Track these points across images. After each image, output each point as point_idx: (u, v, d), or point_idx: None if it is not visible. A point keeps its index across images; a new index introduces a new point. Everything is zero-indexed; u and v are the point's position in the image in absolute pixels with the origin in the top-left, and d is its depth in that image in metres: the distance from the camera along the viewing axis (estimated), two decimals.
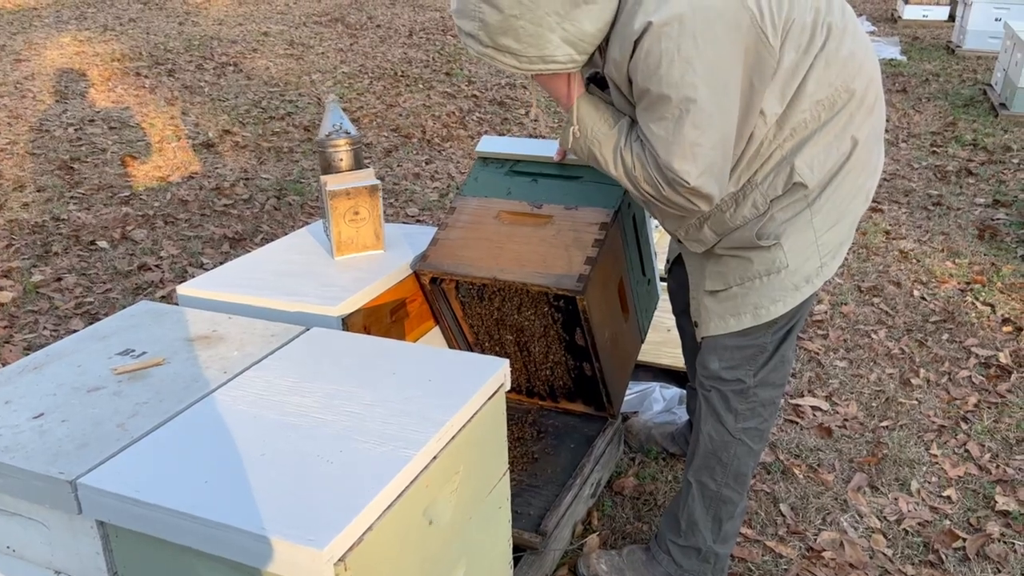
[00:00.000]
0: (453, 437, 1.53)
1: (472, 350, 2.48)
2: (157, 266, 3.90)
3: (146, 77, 6.89)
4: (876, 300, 3.69)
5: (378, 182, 2.24)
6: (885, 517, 2.43)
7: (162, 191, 4.74)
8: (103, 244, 4.07)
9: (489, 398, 1.65)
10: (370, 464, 1.38)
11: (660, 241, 3.08)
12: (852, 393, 3.02)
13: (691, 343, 2.37)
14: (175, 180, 4.91)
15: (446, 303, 2.35)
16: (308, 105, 6.54)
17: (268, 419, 1.52)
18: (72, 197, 4.58)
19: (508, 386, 1.73)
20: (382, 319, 2.20)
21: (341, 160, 2.29)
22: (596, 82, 1.85)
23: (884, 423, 2.85)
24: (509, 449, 2.39)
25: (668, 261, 2.36)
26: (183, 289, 2.18)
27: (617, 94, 1.75)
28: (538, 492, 2.24)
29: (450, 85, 7.27)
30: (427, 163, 5.48)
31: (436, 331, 2.46)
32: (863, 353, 3.28)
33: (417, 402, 1.56)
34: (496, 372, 1.67)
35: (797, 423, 2.84)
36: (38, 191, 4.61)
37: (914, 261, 4.07)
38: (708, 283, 1.92)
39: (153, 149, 5.39)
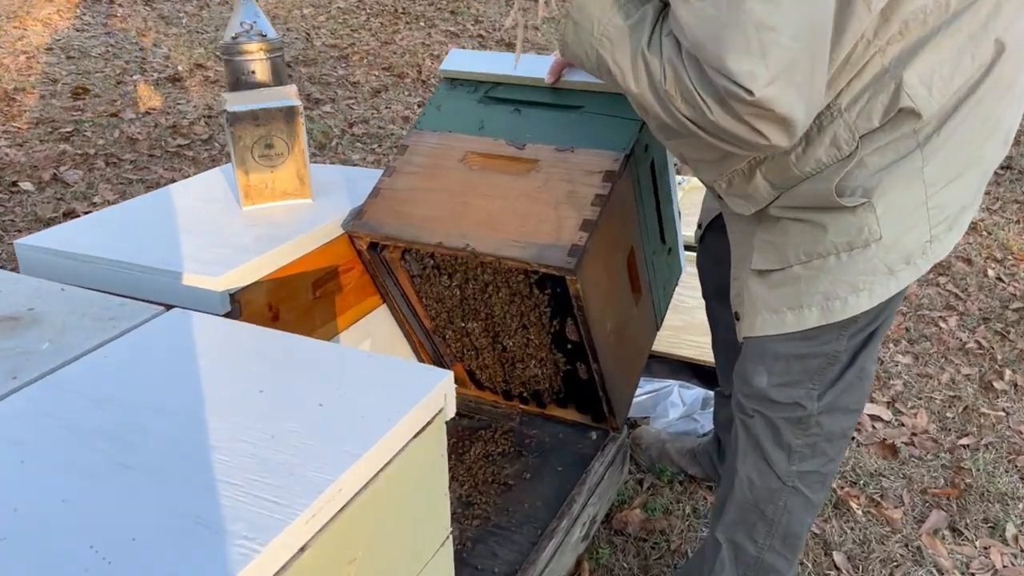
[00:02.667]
0: (344, 507, 0.93)
1: (431, 339, 1.86)
2: (87, 212, 3.29)
3: (120, 5, 6.22)
4: (942, 280, 3.05)
5: (299, 104, 1.61)
6: (973, 573, 1.82)
7: (110, 128, 4.12)
8: (27, 186, 3.47)
9: (416, 435, 1.05)
10: (187, 570, 0.78)
11: (684, 200, 2.44)
12: (920, 399, 2.40)
13: (726, 336, 1.76)
14: (128, 117, 4.29)
15: (391, 277, 1.73)
16: (295, 40, 5.88)
17: (37, 465, 0.92)
18: (5, 131, 3.97)
19: (451, 412, 1.12)
20: (299, 295, 1.58)
21: (253, 72, 1.66)
22: None
23: (963, 440, 2.24)
24: (472, 471, 1.81)
25: (700, 226, 1.72)
26: (25, 242, 1.58)
27: None
28: (509, 537, 1.64)
29: (454, 24, 6.59)
30: (419, 105, 4.86)
31: (384, 310, 1.85)
32: (930, 346, 2.65)
33: (291, 445, 0.95)
34: (431, 390, 1.07)
35: (853, 438, 2.23)
36: None
37: (985, 234, 3.42)
38: (757, 259, 1.33)
39: (110, 82, 4.76)
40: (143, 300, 1.32)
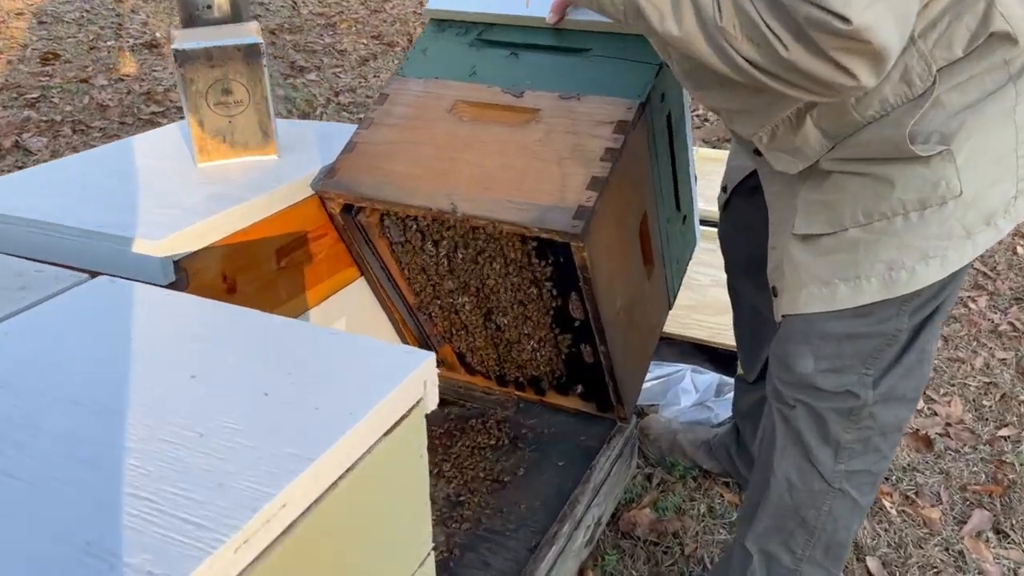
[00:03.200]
0: (289, 528, 0.71)
1: (415, 317, 1.65)
2: None
3: None
4: None
5: (261, 41, 1.39)
6: None
7: (79, 94, 3.88)
8: None
9: (387, 432, 0.83)
10: None
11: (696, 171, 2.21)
12: (953, 385, 2.20)
13: (751, 317, 1.54)
14: (99, 83, 4.04)
15: (368, 246, 1.51)
16: (281, 7, 5.63)
17: None
18: None
19: (433, 403, 0.91)
20: (260, 265, 1.37)
21: (209, 7, 1.44)
22: None
23: (1003, 431, 2.03)
24: (461, 467, 1.59)
25: (724, 189, 1.50)
26: None
27: None
28: (504, 543, 1.43)
29: None
30: None
31: (361, 284, 1.63)
32: (961, 328, 2.45)
33: (223, 446, 0.74)
34: (405, 378, 0.85)
35: None
36: None
37: None
38: (801, 222, 1.13)
39: (83, 47, 4.51)
40: (69, 267, 1.10)
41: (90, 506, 0.68)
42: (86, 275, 1.06)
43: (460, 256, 1.42)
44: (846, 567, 1.64)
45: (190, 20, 1.44)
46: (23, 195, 1.35)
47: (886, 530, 1.73)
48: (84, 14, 5.07)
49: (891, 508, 1.79)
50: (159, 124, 3.69)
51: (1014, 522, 1.76)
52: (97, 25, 4.91)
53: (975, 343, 2.38)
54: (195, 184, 1.39)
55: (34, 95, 3.82)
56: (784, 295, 1.16)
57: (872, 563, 1.65)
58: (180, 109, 3.84)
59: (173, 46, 1.35)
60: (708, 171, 2.90)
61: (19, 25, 4.76)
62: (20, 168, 3.17)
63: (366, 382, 0.84)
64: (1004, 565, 1.67)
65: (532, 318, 1.49)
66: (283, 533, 0.71)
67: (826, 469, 1.20)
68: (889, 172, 1.03)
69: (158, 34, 4.86)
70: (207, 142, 1.43)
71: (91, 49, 4.50)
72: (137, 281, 1.05)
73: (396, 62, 4.80)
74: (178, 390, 0.83)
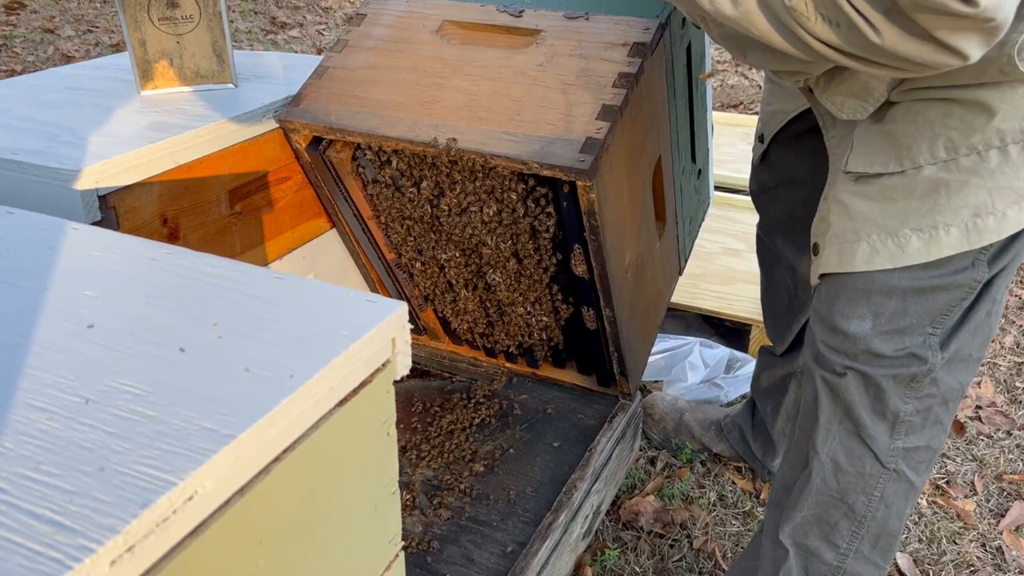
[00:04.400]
0: (197, 529, 0.52)
1: (392, 275, 1.45)
2: None
3: None
4: None
5: None
6: None
7: (43, 44, 3.64)
8: None
9: (342, 401, 0.64)
10: None
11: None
12: (984, 366, 2.02)
13: (784, 281, 1.36)
14: (66, 33, 3.80)
15: (339, 188, 1.30)
16: None
17: None
18: None
19: (404, 366, 0.71)
20: (209, 209, 1.16)
21: None
22: None
23: None
24: (440, 451, 1.40)
25: (761, 139, 1.30)
26: None
27: None
28: (490, 535, 1.24)
29: None
30: None
31: (333, 235, 1.43)
32: None
33: (115, 416, 0.54)
34: (368, 332, 0.65)
35: None
36: None
37: None
38: (856, 157, 0.95)
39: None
40: None
41: None
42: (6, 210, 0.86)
43: (445, 201, 1.21)
44: None
45: None
46: None
47: (916, 523, 1.56)
48: None
49: (921, 499, 1.61)
50: None
51: None
52: None
53: (1004, 320, 2.20)
54: (133, 112, 1.18)
55: None
56: (830, 250, 0.98)
57: (902, 560, 1.48)
58: None
59: None
60: (724, 140, 2.71)
61: None
62: None
63: (316, 337, 0.65)
64: None
65: (527, 275, 1.29)
66: (188, 536, 0.51)
67: (881, 447, 1.02)
68: (986, 97, 0.85)
69: None
70: (151, 66, 1.23)
71: (57, 2, 4.26)
72: (52, 216, 0.85)
73: None
74: (67, 342, 0.63)
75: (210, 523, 0.53)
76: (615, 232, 1.16)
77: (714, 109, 3.41)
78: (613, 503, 1.51)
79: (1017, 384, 1.96)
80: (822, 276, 1.01)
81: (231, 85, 1.28)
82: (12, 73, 3.32)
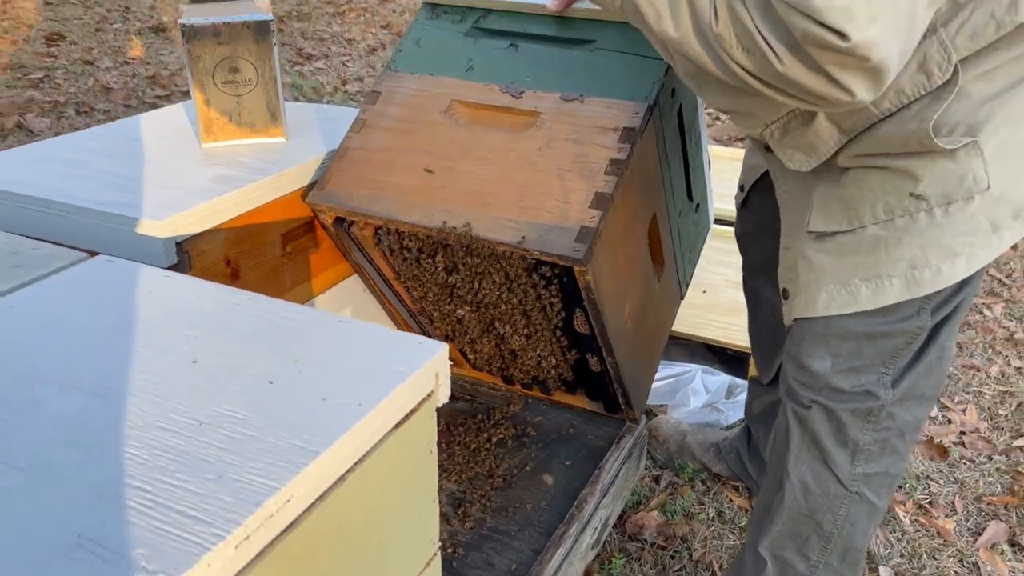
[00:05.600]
0: (293, 524, 0.67)
1: (416, 319, 1.59)
2: None
3: None
4: None
5: (271, 18, 1.34)
6: None
7: (84, 76, 3.84)
8: None
9: (397, 425, 0.79)
10: None
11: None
12: (968, 393, 2.15)
13: (769, 318, 1.50)
14: (104, 65, 4.00)
15: (363, 254, 1.45)
16: None
17: None
18: None
19: (444, 396, 0.87)
20: (265, 250, 1.32)
21: None
22: None
23: (1019, 441, 1.99)
24: (464, 467, 1.55)
25: (742, 187, 1.45)
26: None
27: None
28: (508, 543, 1.39)
29: None
30: None
31: None
32: (976, 336, 2.40)
33: (225, 436, 0.70)
34: (417, 370, 0.81)
35: None
36: None
37: None
38: (817, 219, 1.09)
39: (89, 29, 4.47)
40: (67, 246, 1.05)
41: (83, 495, 0.63)
42: (84, 254, 1.02)
43: (459, 271, 1.36)
44: None
45: None
46: (22, 171, 1.30)
47: (899, 539, 1.69)
48: None
49: (905, 517, 1.74)
50: (163, 107, 3.65)
51: None
52: (103, 7, 4.87)
53: (990, 351, 2.34)
54: (200, 164, 1.34)
55: (38, 75, 3.77)
56: (799, 297, 1.12)
57: (885, 572, 1.61)
58: (186, 94, 3.80)
59: (180, 21, 1.30)
60: (720, 169, 2.85)
61: (25, 5, 4.72)
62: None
63: (376, 373, 0.80)
64: None
65: (536, 329, 1.43)
66: (286, 530, 0.66)
67: (843, 472, 1.16)
68: (912, 166, 0.99)
69: (165, 18, 4.81)
70: (213, 122, 1.39)
71: (97, 31, 4.46)
72: (138, 262, 1.01)
73: None
74: (179, 375, 0.78)
75: (301, 520, 0.68)
76: (612, 296, 1.30)
77: (719, 143, 3.56)
78: (620, 517, 1.65)
79: (1000, 412, 2.09)
80: (794, 319, 1.16)
81: (282, 139, 1.44)
82: (56, 104, 3.51)
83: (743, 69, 0.87)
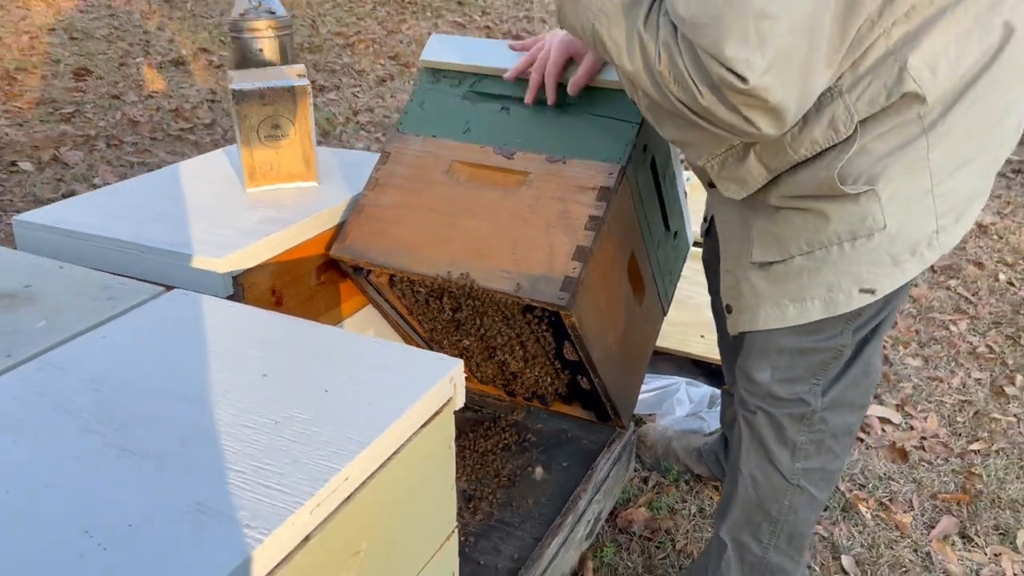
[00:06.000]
0: (349, 497, 0.89)
1: (429, 345, 1.81)
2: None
3: None
4: (953, 283, 3.01)
5: (307, 83, 1.57)
6: None
7: (112, 109, 4.08)
8: (26, 166, 3.43)
9: (424, 424, 1.01)
10: (174, 566, 0.74)
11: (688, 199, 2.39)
12: (930, 402, 2.36)
13: (729, 336, 1.71)
14: (130, 99, 4.24)
15: (381, 296, 1.67)
16: (301, 27, 5.82)
17: (29, 447, 0.88)
18: (5, 110, 3.92)
19: (460, 402, 1.09)
20: (303, 280, 1.54)
21: (261, 51, 1.62)
22: None
23: (974, 445, 2.20)
24: (473, 468, 1.77)
25: (706, 218, 1.68)
26: (24, 217, 1.54)
27: None
28: (512, 533, 1.60)
29: (461, 15, 6.54)
30: None
31: None
32: (940, 350, 2.61)
33: (296, 432, 0.92)
34: (441, 379, 1.03)
35: (862, 440, 2.19)
36: None
37: (996, 237, 3.38)
38: (757, 251, 1.30)
39: (112, 64, 4.71)
40: (143, 280, 1.28)
41: (196, 476, 0.85)
42: (162, 288, 1.24)
43: (464, 311, 1.57)
44: (823, 564, 1.80)
45: (244, 61, 1.63)
46: (96, 215, 1.53)
47: (860, 532, 1.90)
48: (113, 30, 5.28)
49: (866, 512, 1.95)
50: (187, 140, 3.88)
51: (979, 528, 1.93)
52: (126, 42, 5.12)
53: (953, 364, 2.55)
54: (246, 208, 1.57)
55: (69, 110, 4.01)
56: (744, 314, 1.33)
57: (846, 561, 1.82)
58: (207, 126, 4.05)
59: (231, 86, 1.53)
60: (701, 199, 3.07)
61: (51, 40, 4.97)
62: (60, 180, 3.37)
63: (407, 383, 1.02)
64: (967, 566, 1.83)
65: (532, 356, 1.65)
66: (345, 500, 0.88)
67: (785, 468, 1.37)
68: (826, 208, 1.19)
69: (184, 51, 5.06)
70: (256, 170, 1.61)
71: (121, 66, 4.71)
72: (201, 293, 1.23)
73: (412, 83, 4.99)
74: (253, 386, 1.00)
75: (355, 494, 0.89)
76: (595, 331, 1.51)
77: None
78: (612, 513, 1.86)
79: (959, 419, 2.30)
80: (744, 333, 1.37)
81: (315, 183, 1.67)
82: (87, 137, 3.74)
83: (678, 101, 1.08)
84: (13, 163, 3.43)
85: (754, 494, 1.41)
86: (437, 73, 1.71)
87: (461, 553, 1.54)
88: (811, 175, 1.19)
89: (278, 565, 0.79)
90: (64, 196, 3.23)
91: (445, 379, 1.04)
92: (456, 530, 1.15)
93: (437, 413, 1.04)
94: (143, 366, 1.04)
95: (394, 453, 0.96)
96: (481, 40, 1.77)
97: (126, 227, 1.47)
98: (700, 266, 2.06)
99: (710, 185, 1.35)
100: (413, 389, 1.00)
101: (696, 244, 2.14)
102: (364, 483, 0.91)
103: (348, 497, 0.89)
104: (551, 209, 1.48)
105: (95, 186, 3.33)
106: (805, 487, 1.39)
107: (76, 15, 5.44)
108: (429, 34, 5.96)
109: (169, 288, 1.24)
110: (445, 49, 1.71)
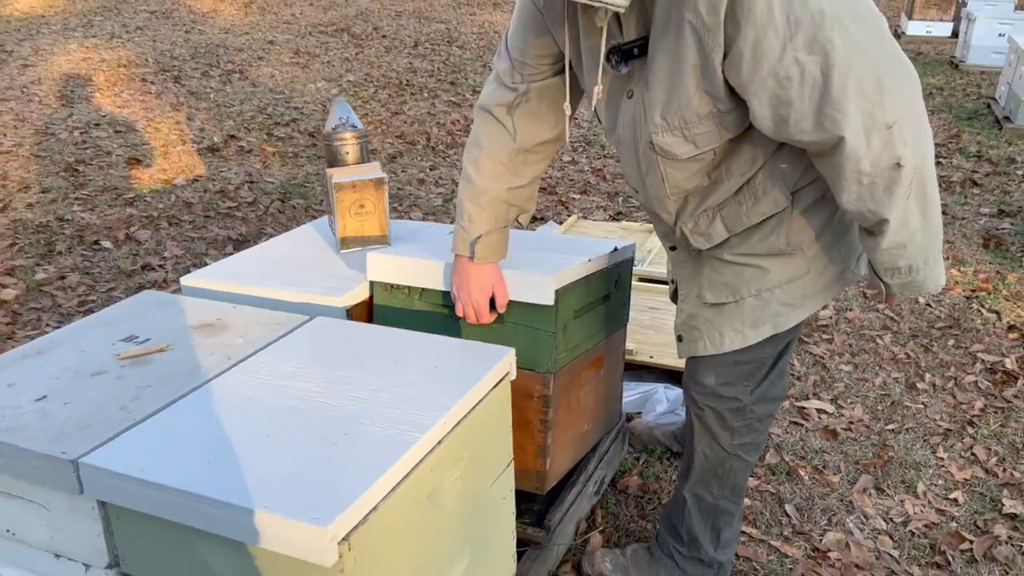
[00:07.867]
0: (459, 422, 1.51)
1: None
2: (160, 266, 3.89)
3: (152, 83, 6.91)
4: (881, 306, 3.67)
5: (384, 175, 2.23)
6: (891, 519, 2.40)
7: (166, 193, 4.74)
8: (107, 244, 4.06)
9: (495, 386, 1.64)
10: (375, 446, 1.36)
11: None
12: (858, 397, 3.00)
13: None
14: (179, 183, 4.91)
15: None
16: (313, 112, 6.54)
17: (272, 403, 1.51)
18: (76, 198, 4.58)
19: (514, 375, 1.72)
20: None
21: (347, 153, 2.29)
22: (621, 53, 1.52)
23: (890, 426, 2.83)
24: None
25: (672, 281, 2.31)
26: (188, 280, 2.17)
27: (673, 62, 1.43)
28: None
29: (455, 94, 7.28)
30: (431, 169, 5.48)
31: None
32: (868, 358, 3.26)
33: (421, 388, 1.55)
34: (501, 360, 1.66)
35: (802, 425, 2.82)
36: (43, 192, 4.61)
37: None
38: (711, 295, 1.72)
39: (158, 153, 5.39)
40: (291, 312, 1.92)
41: (378, 408, 1.47)
42: (308, 317, 1.88)
43: None
44: (771, 513, 2.42)
45: (334, 161, 2.28)
46: (237, 275, 2.16)
47: (800, 489, 2.52)
48: (150, 123, 5.97)
49: (805, 475, 2.57)
50: (235, 216, 4.53)
51: (889, 483, 2.55)
52: (163, 132, 5.81)
53: (878, 368, 3.20)
54: (344, 264, 2.21)
55: (130, 195, 4.67)
56: (698, 343, 1.73)
57: (789, 508, 2.43)
58: (249, 204, 4.71)
59: (333, 180, 2.18)
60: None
61: (99, 134, 5.65)
62: (135, 255, 4.00)
63: (480, 363, 1.65)
64: (880, 509, 2.45)
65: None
66: (444, 437, 1.48)
67: (726, 444, 1.83)
68: (769, 263, 1.63)
69: (215, 139, 5.75)
70: (348, 238, 2.26)
71: (165, 154, 5.39)
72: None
73: (419, 158, 5.69)
74: (389, 369, 1.63)
75: (450, 433, 1.50)
76: (572, 454, 2.14)
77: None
78: (612, 481, 2.48)
79: (879, 408, 2.94)
80: (689, 357, 1.92)
81: (388, 245, 2.32)
82: (152, 218, 4.39)
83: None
84: (96, 242, 4.07)
85: (705, 463, 1.90)
86: (388, 285, 2.01)
87: None
88: (762, 241, 1.62)
89: (427, 454, 1.42)
90: (142, 268, 3.87)
91: (505, 360, 1.67)
92: (512, 463, 1.78)
93: (500, 381, 1.67)
94: (312, 361, 1.67)
95: (479, 401, 1.58)
96: (414, 261, 1.98)
97: (269, 283, 2.11)
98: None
99: (671, 248, 1.88)
100: (486, 365, 1.64)
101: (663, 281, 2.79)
102: (464, 416, 1.53)
103: (457, 423, 1.51)
104: (513, 413, 1.75)
105: (165, 259, 3.97)
106: (741, 455, 1.86)
107: (115, 110, 6.14)
108: (428, 114, 6.68)
109: (311, 317, 1.88)
110: (387, 270, 2.00)
